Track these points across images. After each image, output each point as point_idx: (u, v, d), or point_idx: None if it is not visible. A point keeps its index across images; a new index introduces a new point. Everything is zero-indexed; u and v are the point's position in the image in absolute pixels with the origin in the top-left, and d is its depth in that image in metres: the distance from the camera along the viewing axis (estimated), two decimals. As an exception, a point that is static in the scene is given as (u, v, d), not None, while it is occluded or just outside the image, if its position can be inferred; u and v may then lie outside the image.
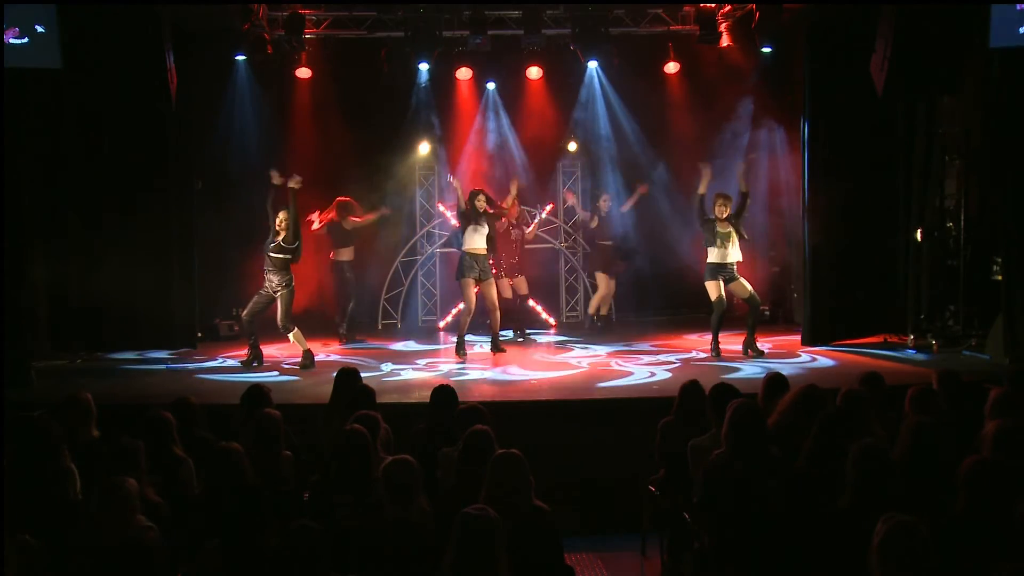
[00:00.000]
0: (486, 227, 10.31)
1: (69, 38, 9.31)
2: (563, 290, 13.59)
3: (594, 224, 12.25)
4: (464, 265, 10.31)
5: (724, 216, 10.00)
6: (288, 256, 9.83)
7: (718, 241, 9.95)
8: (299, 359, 9.97)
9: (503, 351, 10.60)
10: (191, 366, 10.21)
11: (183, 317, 11.03)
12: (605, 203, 12.26)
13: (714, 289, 10.09)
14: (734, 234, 9.99)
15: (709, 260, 10.05)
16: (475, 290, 10.45)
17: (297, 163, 12.63)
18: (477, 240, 10.28)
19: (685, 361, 10.04)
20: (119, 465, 4.78)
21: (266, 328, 10.31)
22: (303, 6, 11.86)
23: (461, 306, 10.84)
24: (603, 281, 12.37)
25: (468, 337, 10.64)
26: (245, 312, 10.09)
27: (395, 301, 13.21)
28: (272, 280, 9.87)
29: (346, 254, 11.86)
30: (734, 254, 10.02)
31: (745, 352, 10.14)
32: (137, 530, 4.27)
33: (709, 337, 10.38)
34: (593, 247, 12.56)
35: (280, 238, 9.80)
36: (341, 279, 11.89)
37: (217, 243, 12.27)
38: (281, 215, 9.83)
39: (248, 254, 12.31)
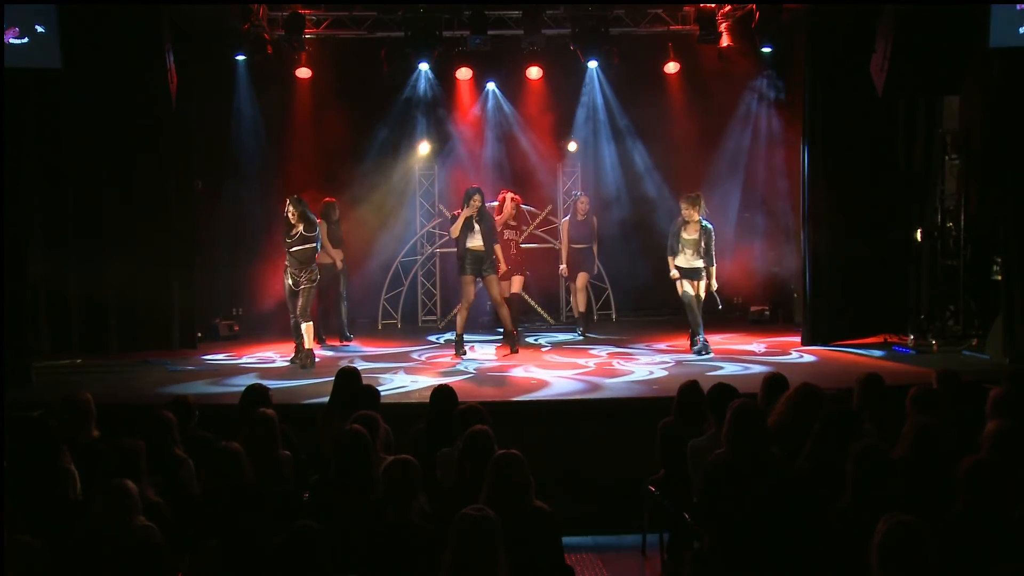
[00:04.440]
0: (482, 225, 10.27)
1: (69, 38, 9.30)
2: (563, 290, 13.56)
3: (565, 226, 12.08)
4: (464, 261, 10.30)
5: (693, 219, 9.97)
6: (312, 246, 9.79)
7: (680, 247, 10.00)
8: (301, 354, 9.89)
9: (515, 351, 10.51)
10: (191, 366, 10.20)
11: (183, 317, 11.01)
12: (583, 204, 11.96)
13: (679, 284, 10.13)
14: (700, 243, 9.98)
15: (676, 263, 10.08)
16: (474, 287, 10.43)
17: (297, 163, 12.72)
18: (475, 238, 10.25)
19: (684, 361, 10.03)
20: (119, 465, 4.78)
21: (267, 328, 10.29)
22: (303, 6, 11.86)
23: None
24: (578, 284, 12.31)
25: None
26: (292, 315, 10.05)
27: (395, 301, 13.20)
28: (298, 276, 9.84)
29: (327, 257, 11.75)
30: (696, 261, 10.02)
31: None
32: (137, 530, 4.27)
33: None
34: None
35: (296, 231, 9.75)
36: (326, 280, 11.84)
37: (217, 243, 12.26)
38: (290, 209, 9.79)
39: (248, 254, 12.34)
